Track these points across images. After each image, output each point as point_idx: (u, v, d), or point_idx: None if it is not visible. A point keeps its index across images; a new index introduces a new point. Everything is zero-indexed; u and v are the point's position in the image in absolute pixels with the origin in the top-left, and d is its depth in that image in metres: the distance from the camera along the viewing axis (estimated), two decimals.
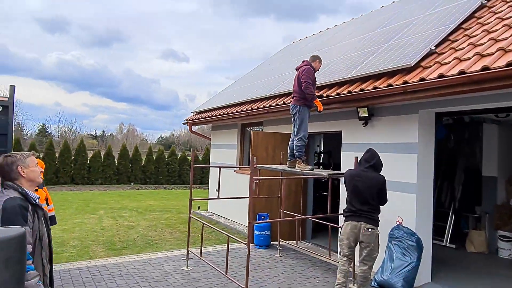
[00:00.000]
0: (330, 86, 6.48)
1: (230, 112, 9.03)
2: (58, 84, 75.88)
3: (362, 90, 5.48)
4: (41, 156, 18.86)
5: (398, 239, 5.07)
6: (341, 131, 6.68)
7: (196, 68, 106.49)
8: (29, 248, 2.37)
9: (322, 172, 5.06)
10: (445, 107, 5.05)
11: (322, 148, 12.58)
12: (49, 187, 18.07)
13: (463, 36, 5.32)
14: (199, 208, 11.60)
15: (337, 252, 6.80)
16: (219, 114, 9.55)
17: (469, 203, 8.02)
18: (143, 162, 21.18)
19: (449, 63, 4.65)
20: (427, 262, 5.35)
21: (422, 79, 4.63)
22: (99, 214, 10.76)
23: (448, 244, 7.35)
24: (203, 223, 5.54)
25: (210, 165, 11.62)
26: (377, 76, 5.56)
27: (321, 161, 12.54)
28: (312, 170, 5.33)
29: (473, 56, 4.42)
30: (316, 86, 6.39)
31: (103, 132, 51.03)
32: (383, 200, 4.66)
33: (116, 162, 20.41)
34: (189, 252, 5.92)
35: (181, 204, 13.14)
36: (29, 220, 2.45)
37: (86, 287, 4.93)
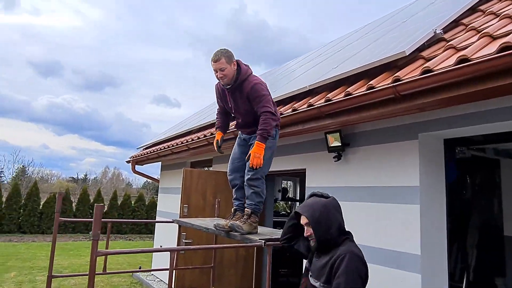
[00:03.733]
0: (287, 101, 4.45)
1: (170, 146, 6.90)
2: (47, 126, 76.06)
3: (328, 100, 3.42)
4: None
5: None
6: (305, 169, 4.55)
7: (188, 114, 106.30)
8: None
9: (256, 238, 2.83)
10: (461, 127, 2.97)
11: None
12: None
13: (488, 15, 3.36)
14: (140, 268, 9.10)
15: None
16: (159, 149, 7.40)
17: (487, 274, 5.81)
18: (106, 208, 18.88)
19: (473, 43, 2.63)
20: None
21: (426, 71, 2.59)
22: (4, 278, 8.22)
23: None
24: None
25: (155, 218, 9.29)
26: (353, 79, 3.54)
27: None
28: (241, 232, 3.05)
29: None
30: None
31: (85, 175, 48.05)
32: None
33: (74, 208, 18.07)
34: None
35: (123, 261, 10.59)
36: None
37: None
